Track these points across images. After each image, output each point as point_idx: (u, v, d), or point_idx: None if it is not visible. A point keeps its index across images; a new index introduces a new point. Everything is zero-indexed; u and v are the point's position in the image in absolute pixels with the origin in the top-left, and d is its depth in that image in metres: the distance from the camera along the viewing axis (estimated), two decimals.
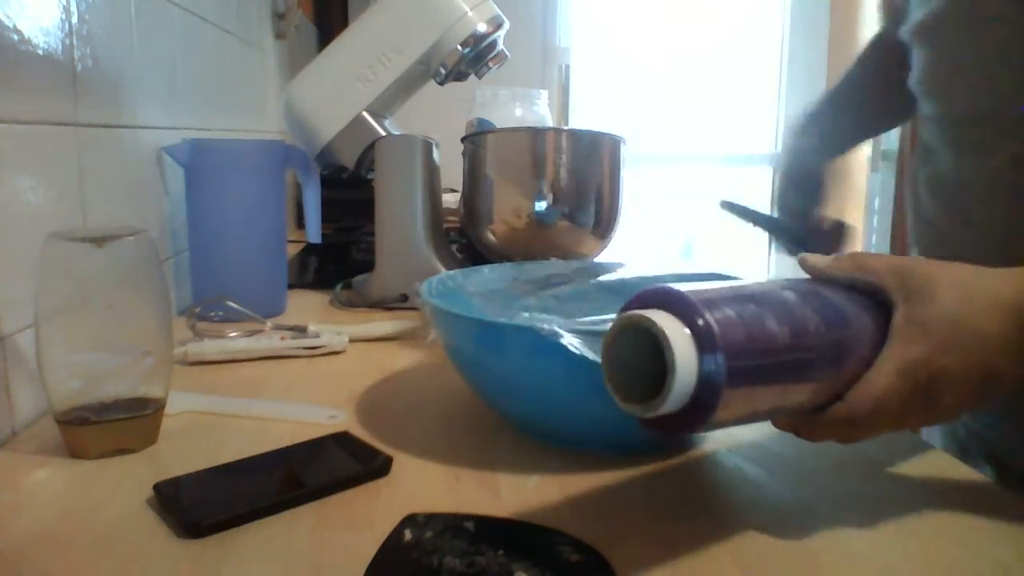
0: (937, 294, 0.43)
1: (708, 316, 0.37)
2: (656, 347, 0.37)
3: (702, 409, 0.37)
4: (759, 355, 0.38)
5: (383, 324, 0.83)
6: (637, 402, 0.38)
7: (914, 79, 0.72)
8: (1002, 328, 0.42)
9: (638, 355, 0.38)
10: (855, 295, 0.45)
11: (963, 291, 0.43)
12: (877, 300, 0.45)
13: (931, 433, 0.83)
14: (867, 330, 0.44)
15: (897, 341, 0.43)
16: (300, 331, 0.79)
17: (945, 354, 0.42)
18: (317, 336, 0.77)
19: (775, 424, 0.45)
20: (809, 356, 0.41)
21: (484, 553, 0.38)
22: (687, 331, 0.37)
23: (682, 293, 0.38)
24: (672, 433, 0.39)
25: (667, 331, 0.36)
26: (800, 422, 0.44)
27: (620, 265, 0.74)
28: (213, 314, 0.82)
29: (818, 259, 0.47)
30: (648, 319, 0.37)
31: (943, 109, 0.69)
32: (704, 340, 0.37)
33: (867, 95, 0.90)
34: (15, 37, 0.57)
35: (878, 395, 0.42)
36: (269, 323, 0.82)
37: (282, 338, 0.77)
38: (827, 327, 0.42)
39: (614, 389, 0.39)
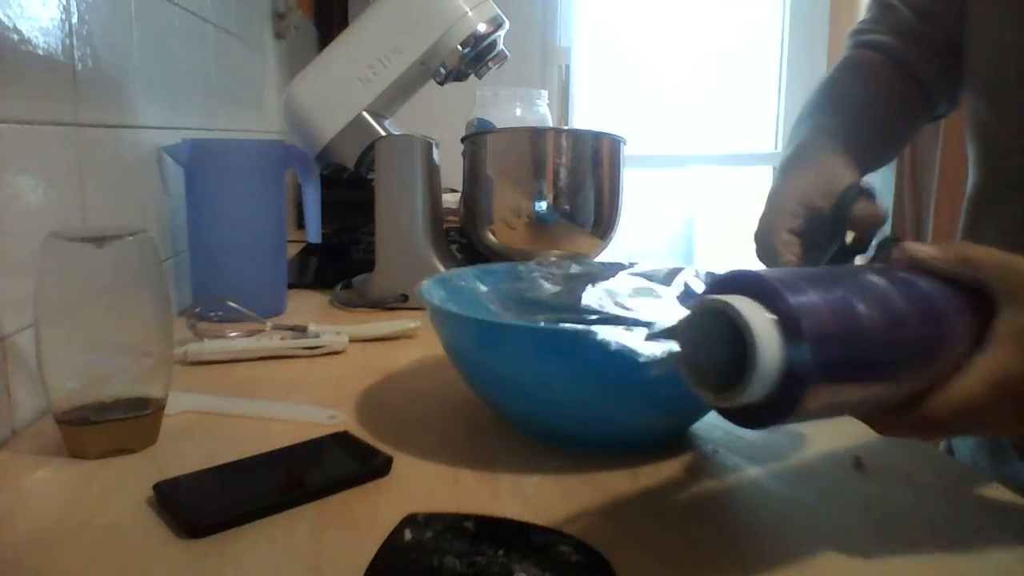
0: None
1: (792, 300, 0.34)
2: (738, 336, 0.34)
3: (786, 401, 0.35)
4: (848, 345, 0.36)
5: (383, 324, 0.83)
6: (712, 390, 0.36)
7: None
8: None
9: (717, 345, 0.36)
10: (955, 290, 0.42)
11: None
12: (979, 298, 0.41)
13: None
14: (963, 329, 0.41)
15: (993, 349, 0.40)
16: (300, 331, 0.79)
17: None
18: (317, 336, 0.77)
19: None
20: (900, 350, 0.38)
21: (484, 553, 0.38)
22: (770, 316, 0.34)
23: (763, 276, 0.36)
24: (754, 424, 0.37)
25: (748, 316, 0.34)
26: (874, 414, 0.42)
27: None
28: (213, 314, 0.82)
29: (921, 248, 0.43)
30: (726, 303, 0.34)
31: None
32: (789, 326, 0.34)
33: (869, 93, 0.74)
34: (15, 37, 0.57)
35: (964, 403, 0.39)
36: (269, 323, 0.82)
37: (282, 338, 0.77)
38: (921, 320, 0.39)
39: (687, 372, 0.36)
